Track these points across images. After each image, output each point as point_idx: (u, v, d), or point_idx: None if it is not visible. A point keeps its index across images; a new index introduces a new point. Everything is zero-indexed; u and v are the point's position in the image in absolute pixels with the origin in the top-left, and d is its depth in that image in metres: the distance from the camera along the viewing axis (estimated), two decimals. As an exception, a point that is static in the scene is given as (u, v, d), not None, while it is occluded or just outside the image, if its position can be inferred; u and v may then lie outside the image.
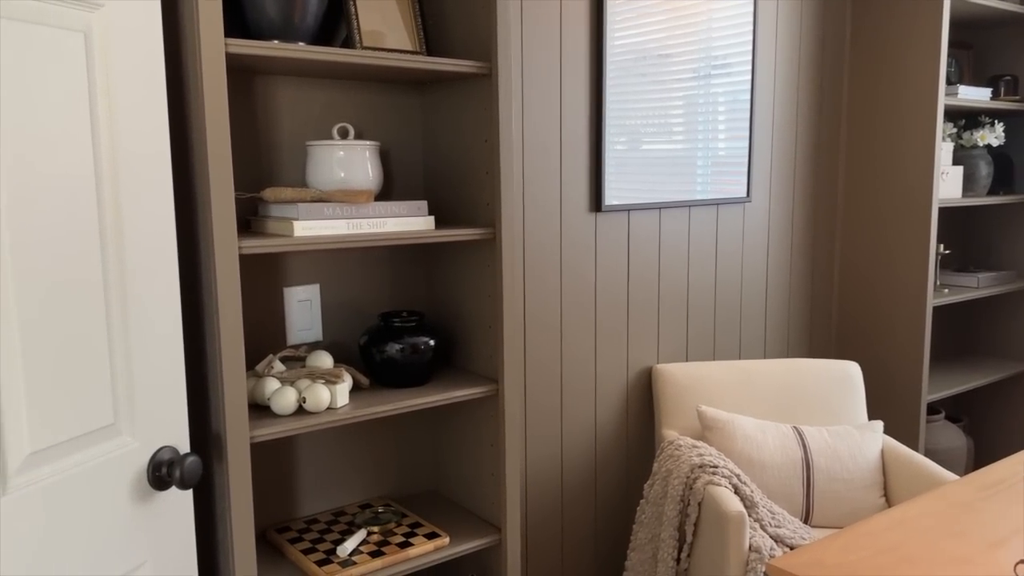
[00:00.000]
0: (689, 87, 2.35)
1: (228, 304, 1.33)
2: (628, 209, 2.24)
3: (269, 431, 1.41)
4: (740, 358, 2.61)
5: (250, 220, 1.60)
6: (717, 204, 2.47)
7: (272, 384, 1.51)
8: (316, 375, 1.53)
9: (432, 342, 1.66)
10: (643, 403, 2.38)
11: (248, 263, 1.64)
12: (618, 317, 2.28)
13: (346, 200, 1.50)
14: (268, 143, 1.65)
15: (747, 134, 2.51)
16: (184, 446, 1.25)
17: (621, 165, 2.21)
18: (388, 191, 1.81)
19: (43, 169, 1.04)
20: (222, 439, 1.36)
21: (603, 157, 2.15)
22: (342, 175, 1.57)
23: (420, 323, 1.68)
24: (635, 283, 2.30)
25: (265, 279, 1.67)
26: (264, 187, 1.63)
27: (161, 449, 1.21)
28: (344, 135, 1.62)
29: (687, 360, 2.47)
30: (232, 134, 1.60)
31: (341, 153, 1.57)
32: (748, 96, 2.50)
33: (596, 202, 2.18)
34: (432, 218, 1.60)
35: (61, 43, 1.05)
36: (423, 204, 1.60)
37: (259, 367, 1.56)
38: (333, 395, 1.51)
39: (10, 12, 0.99)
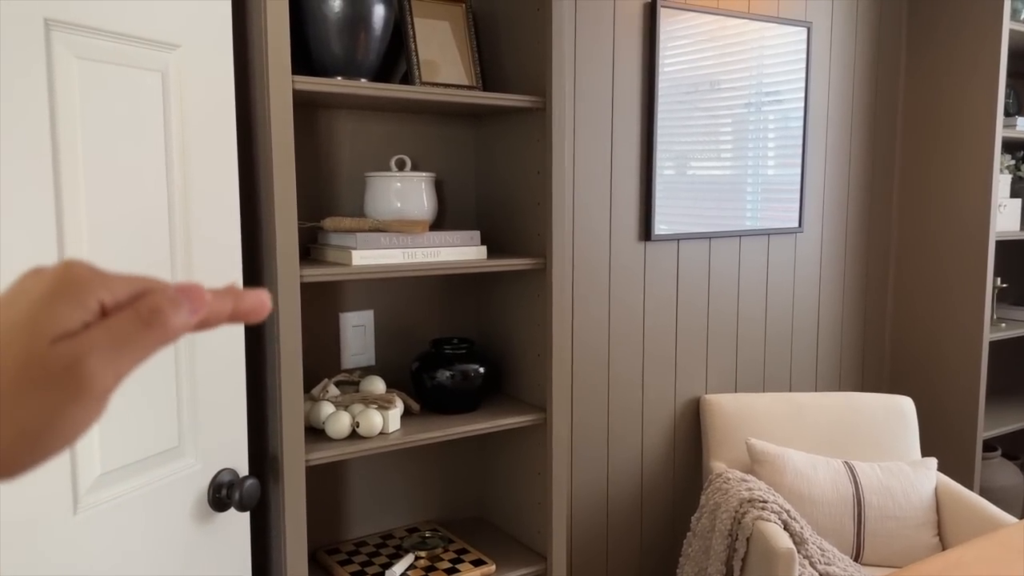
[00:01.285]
0: (740, 116, 2.35)
1: (288, 331, 1.37)
2: (678, 238, 2.24)
3: (324, 455, 1.44)
4: (790, 390, 2.58)
5: (310, 248, 1.65)
6: (768, 234, 2.45)
7: (327, 408, 1.54)
8: (369, 400, 1.56)
9: (482, 369, 1.68)
10: (690, 434, 2.36)
11: (306, 289, 1.69)
12: (666, 346, 2.28)
13: (402, 230, 1.54)
14: (328, 174, 1.70)
15: (799, 163, 2.50)
16: (243, 469, 1.29)
17: (671, 194, 2.22)
18: (441, 221, 1.85)
19: (119, 205, 1.09)
20: (279, 462, 1.39)
21: (653, 186, 2.17)
22: (399, 205, 1.61)
23: (470, 350, 1.70)
24: (684, 312, 2.30)
25: (321, 304, 1.72)
26: (324, 216, 1.68)
27: (221, 471, 1.25)
28: (401, 167, 1.67)
29: (736, 391, 2.45)
30: (295, 165, 1.65)
31: (398, 184, 1.61)
32: (800, 125, 2.49)
33: (646, 231, 2.19)
34: (484, 248, 1.63)
35: (140, 83, 1.11)
36: (476, 234, 1.63)
37: (315, 391, 1.60)
38: (385, 420, 1.54)
39: (93, 54, 1.05)
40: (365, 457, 1.79)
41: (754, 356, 2.48)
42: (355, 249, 1.48)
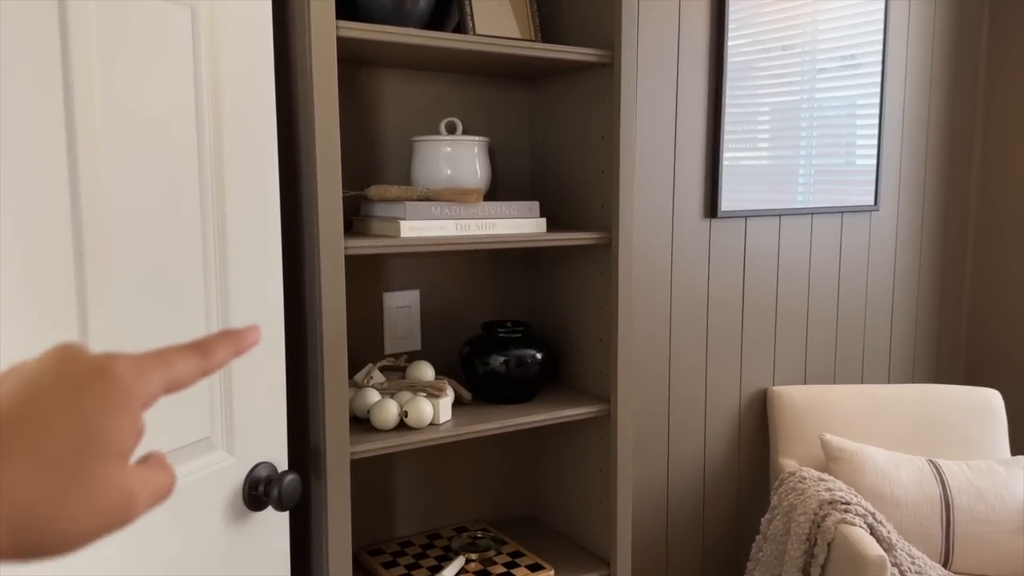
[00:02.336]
0: (814, 83, 2.16)
1: (332, 309, 1.22)
2: (745, 216, 2.06)
3: (370, 447, 1.30)
4: (862, 382, 2.38)
5: (352, 220, 1.51)
6: (842, 212, 2.26)
7: (372, 396, 1.40)
8: (418, 387, 1.42)
9: (539, 355, 1.53)
10: (757, 428, 2.18)
11: (348, 266, 1.55)
12: (731, 333, 2.10)
13: (455, 199, 1.38)
14: (372, 139, 1.55)
15: (875, 136, 2.29)
16: (282, 463, 1.15)
17: (738, 167, 2.04)
18: (493, 191, 1.69)
19: (141, 161, 0.95)
20: (321, 455, 1.25)
21: (720, 158, 1.99)
22: (449, 172, 1.46)
23: (526, 334, 1.55)
24: (751, 296, 2.12)
25: (363, 283, 1.57)
26: (367, 185, 1.54)
27: (258, 466, 1.11)
28: (452, 130, 1.51)
29: (805, 383, 2.27)
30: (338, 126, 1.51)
31: (448, 149, 1.46)
32: (877, 93, 2.29)
33: (711, 207, 2.01)
34: (544, 220, 1.47)
35: (166, 18, 0.97)
36: (535, 205, 1.47)
37: (358, 377, 1.45)
38: (436, 410, 1.39)
39: (117, -17, 0.90)
40: (412, 450, 1.65)
41: (824, 345, 2.29)
42: (403, 220, 1.33)
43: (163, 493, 0.38)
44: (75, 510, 0.33)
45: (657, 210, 1.94)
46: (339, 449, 1.25)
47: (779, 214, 2.12)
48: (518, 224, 1.45)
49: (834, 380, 2.32)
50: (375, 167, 1.56)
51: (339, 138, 1.21)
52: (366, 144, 1.54)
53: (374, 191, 1.42)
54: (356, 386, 1.45)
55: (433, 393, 1.40)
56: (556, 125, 1.64)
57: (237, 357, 0.43)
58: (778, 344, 2.19)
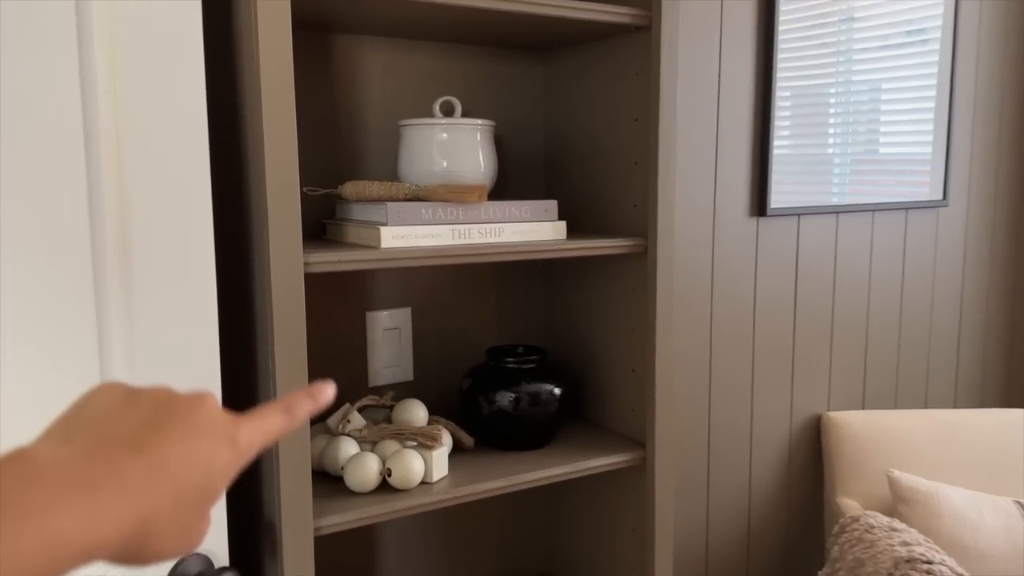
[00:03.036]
0: (871, 61, 1.85)
1: (288, 341, 0.93)
2: (798, 213, 1.76)
3: (340, 520, 1.01)
4: (926, 406, 2.07)
5: (325, 224, 1.22)
6: (906, 208, 1.95)
7: (348, 447, 1.11)
8: (406, 435, 1.13)
9: (557, 391, 1.23)
10: (809, 461, 1.88)
11: (319, 281, 1.26)
12: (781, 351, 1.80)
13: (452, 199, 1.09)
14: (349, 124, 1.26)
15: (946, 120, 1.98)
16: (221, 553, 0.87)
17: (789, 157, 1.73)
18: (500, 188, 1.39)
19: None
20: (275, 531, 0.97)
21: (770, 145, 1.68)
22: (445, 165, 1.17)
23: (542, 364, 1.25)
24: (803, 308, 1.82)
25: (341, 300, 1.28)
26: (343, 180, 1.25)
27: (183, 563, 0.83)
28: (449, 112, 1.22)
29: (863, 407, 1.96)
30: (302, 111, 1.22)
31: (444, 136, 1.17)
32: (948, 72, 1.97)
33: (759, 204, 1.70)
34: (563, 224, 1.18)
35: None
36: (551, 205, 1.18)
37: (331, 421, 1.17)
38: (428, 465, 1.10)
39: None
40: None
41: (885, 363, 1.98)
42: (385, 225, 1.04)
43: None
44: (174, 538, 0.38)
45: (695, 208, 1.64)
46: (298, 523, 0.96)
47: (836, 211, 1.82)
48: (531, 230, 1.15)
49: (895, 404, 2.01)
50: (353, 159, 1.27)
51: (294, 121, 0.91)
52: (342, 131, 1.25)
53: (349, 189, 1.13)
54: (329, 433, 1.16)
55: (425, 443, 1.11)
56: (577, 106, 1.34)
57: (316, 413, 0.47)
58: (834, 362, 1.89)
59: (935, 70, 1.94)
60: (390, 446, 1.12)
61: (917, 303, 2.01)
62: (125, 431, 0.38)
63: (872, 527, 1.59)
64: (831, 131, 1.80)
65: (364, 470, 1.07)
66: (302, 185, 1.20)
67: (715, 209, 1.66)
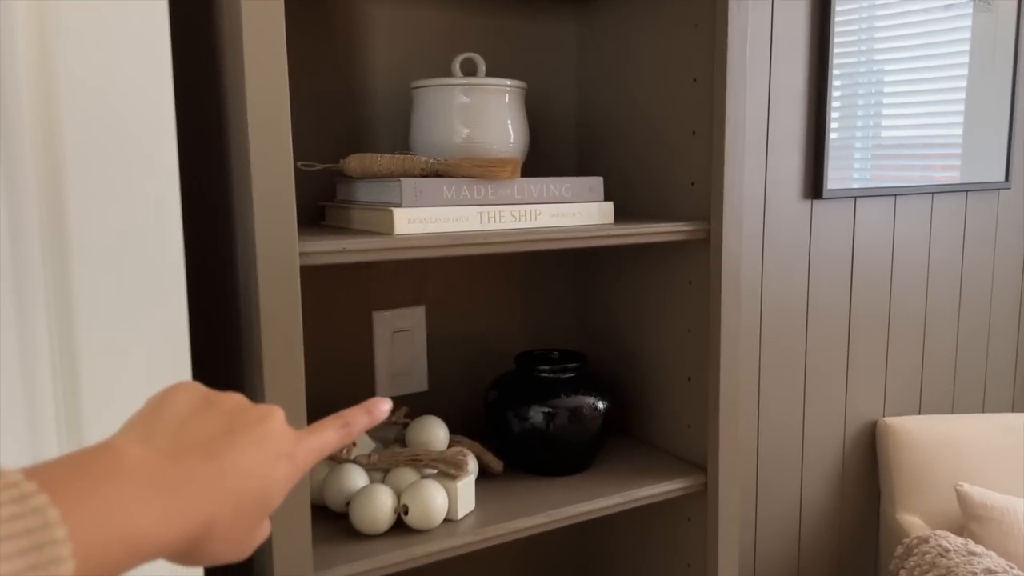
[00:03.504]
0: (939, 22, 1.65)
1: (278, 354, 0.73)
2: (854, 196, 1.56)
3: (347, 571, 0.81)
4: (983, 409, 1.89)
5: (324, 207, 1.02)
6: (966, 191, 1.76)
7: (354, 477, 0.91)
8: (425, 462, 0.93)
9: (600, 405, 1.04)
10: (864, 473, 1.69)
11: (315, 275, 1.06)
12: (835, 348, 1.61)
13: (479, 175, 0.89)
14: (353, 89, 1.05)
15: (1009, 91, 1.79)
16: (190, 630, 0.67)
17: (847, 133, 1.54)
18: (527, 164, 1.19)
19: None
20: (266, 591, 0.77)
21: (827, 119, 1.48)
22: (466, 133, 0.96)
23: (582, 372, 1.06)
24: (859, 300, 1.62)
25: (341, 297, 1.08)
26: (346, 153, 1.04)
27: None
28: (471, 71, 1.02)
29: (920, 411, 1.77)
30: (296, 73, 1.02)
31: (465, 99, 0.96)
32: (1012, 37, 1.78)
33: (815, 185, 1.51)
34: (611, 206, 0.98)
35: None
36: (596, 183, 0.98)
37: (333, 444, 0.97)
38: (452, 498, 0.91)
39: None
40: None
41: (943, 362, 1.79)
42: (399, 207, 0.84)
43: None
44: (230, 544, 0.38)
45: (745, 189, 1.44)
46: (295, 573, 0.77)
47: (895, 194, 1.62)
48: (573, 212, 0.95)
49: (951, 407, 1.83)
50: (358, 129, 1.06)
51: (286, 81, 0.71)
52: (344, 97, 1.05)
53: (354, 163, 0.92)
54: (333, 461, 0.96)
55: (448, 472, 0.92)
56: (617, 65, 1.14)
57: (372, 427, 0.48)
58: (891, 362, 1.70)
59: (967, 47, 1.73)
60: (405, 475, 0.92)
61: (976, 295, 1.82)
62: (201, 436, 0.39)
63: (946, 550, 1.40)
64: (892, 104, 1.61)
65: (375, 507, 0.87)
66: (296, 160, 1.00)
67: (766, 189, 1.46)
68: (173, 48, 0.68)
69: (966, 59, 1.71)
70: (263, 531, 0.41)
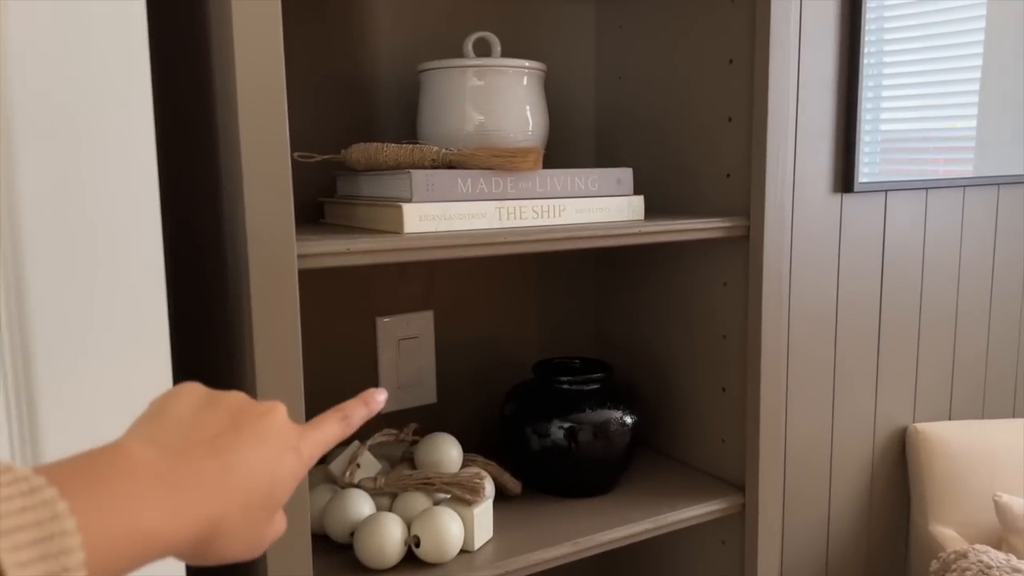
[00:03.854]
0: (943, 13, 1.56)
1: (274, 368, 0.64)
2: (885, 189, 1.47)
3: (353, 614, 0.72)
4: (1013, 414, 1.80)
5: (323, 203, 0.92)
6: (998, 184, 1.67)
7: (359, 503, 0.82)
8: (437, 486, 0.83)
9: (628, 419, 0.95)
10: (894, 482, 1.61)
11: (313, 279, 0.96)
12: (865, 350, 1.52)
13: (498, 166, 0.80)
14: (356, 74, 0.96)
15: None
16: None
17: (879, 123, 1.44)
18: (546, 154, 1.10)
19: None
20: (261, 640, 0.67)
21: (858, 108, 1.39)
22: (480, 120, 0.87)
23: (607, 383, 0.97)
24: (889, 299, 1.53)
25: (341, 302, 0.99)
26: (348, 143, 0.94)
27: None
28: (485, 52, 0.92)
29: (950, 417, 1.69)
30: (292, 57, 0.92)
31: (478, 82, 0.87)
32: (1046, 23, 1.69)
33: (845, 178, 1.42)
34: (641, 200, 0.89)
35: None
36: (626, 175, 0.88)
37: (335, 466, 0.87)
38: (468, 527, 0.81)
39: None
40: None
41: (974, 364, 1.71)
42: (408, 202, 0.74)
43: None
44: (241, 542, 0.39)
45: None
46: (296, 631, 0.67)
47: (926, 187, 1.53)
48: (601, 207, 0.86)
49: (983, 412, 1.74)
50: (362, 117, 0.97)
51: (282, 60, 0.62)
52: (345, 83, 0.95)
53: (357, 153, 0.83)
54: (334, 484, 0.87)
55: (463, 496, 0.82)
56: (643, 46, 1.04)
57: (370, 418, 0.48)
58: (921, 364, 1.61)
59: (981, 37, 1.63)
60: (416, 501, 0.83)
61: (1008, 295, 1.74)
62: (205, 434, 0.39)
63: (989, 567, 1.31)
64: (923, 93, 1.52)
65: (382, 537, 0.78)
66: (292, 151, 0.90)
67: (795, 183, 1.37)
68: (158, 30, 0.58)
69: (980, 49, 1.62)
70: (276, 527, 0.41)
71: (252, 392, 0.64)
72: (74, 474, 0.32)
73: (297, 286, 0.64)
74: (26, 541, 0.28)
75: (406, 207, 0.74)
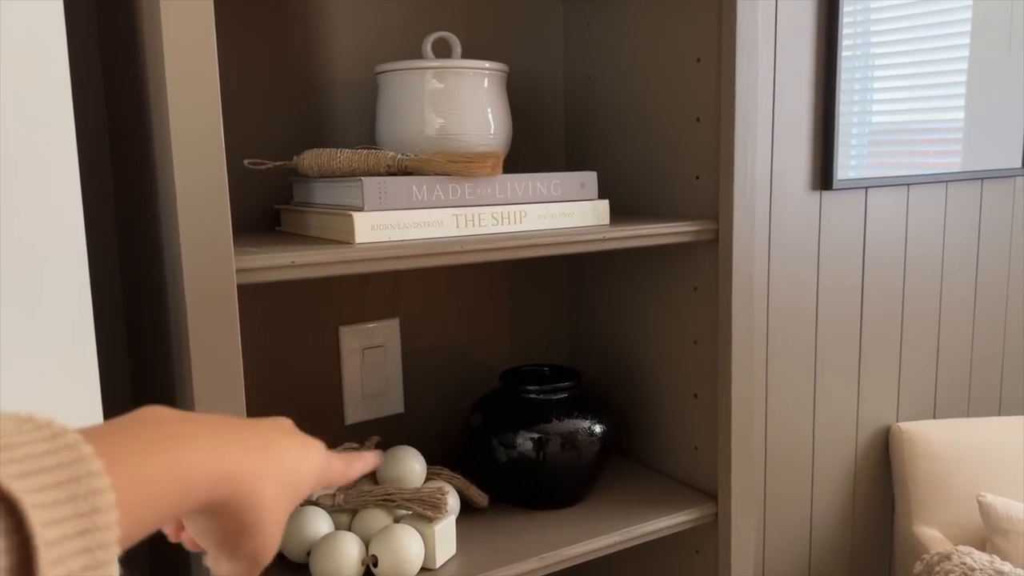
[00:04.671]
0: (928, 3, 1.54)
1: (215, 390, 0.61)
2: (866, 186, 1.45)
3: (306, 639, 0.70)
4: (999, 412, 1.79)
5: (279, 211, 0.89)
6: (981, 178, 1.65)
7: (316, 522, 0.79)
8: (398, 502, 0.81)
9: (598, 428, 0.92)
10: (878, 482, 1.59)
11: (273, 289, 0.94)
12: (846, 352, 1.50)
13: (455, 172, 0.77)
14: (312, 77, 0.93)
15: (1023, 75, 1.68)
16: None
17: (852, 117, 1.42)
18: (508, 159, 1.07)
19: None
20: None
21: (836, 103, 1.37)
22: (440, 124, 0.84)
23: (576, 392, 0.94)
24: (871, 297, 1.51)
25: (303, 310, 0.96)
26: (302, 149, 0.92)
27: None
28: (445, 53, 0.89)
29: (935, 416, 1.67)
30: (245, 59, 0.89)
31: (438, 84, 0.84)
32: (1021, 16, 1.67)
33: (824, 175, 1.40)
34: (606, 204, 0.86)
35: None
36: (590, 178, 0.86)
37: (293, 482, 0.85)
38: (429, 544, 0.79)
39: None
40: None
41: (958, 362, 1.69)
42: (360, 211, 0.72)
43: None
44: (271, 515, 0.38)
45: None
46: (244, 659, 0.64)
47: (907, 183, 1.51)
48: (564, 212, 0.84)
49: (968, 409, 1.72)
50: (319, 122, 0.94)
51: (215, 59, 0.59)
52: (302, 84, 0.92)
53: (309, 159, 0.80)
54: (290, 501, 0.84)
55: (423, 513, 0.80)
56: (610, 45, 1.02)
57: (364, 473, 0.49)
58: (904, 362, 1.59)
59: (968, 28, 1.61)
60: (375, 518, 0.80)
61: (992, 292, 1.72)
62: (249, 423, 0.40)
63: (972, 568, 1.30)
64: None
65: (339, 557, 0.76)
66: (242, 156, 0.88)
67: (772, 180, 1.35)
68: (98, 33, 0.55)
69: (967, 40, 1.60)
70: (279, 537, 0.41)
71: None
72: (102, 428, 0.32)
73: (236, 303, 0.61)
74: (50, 483, 0.27)
75: (357, 216, 0.71)
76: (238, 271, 0.62)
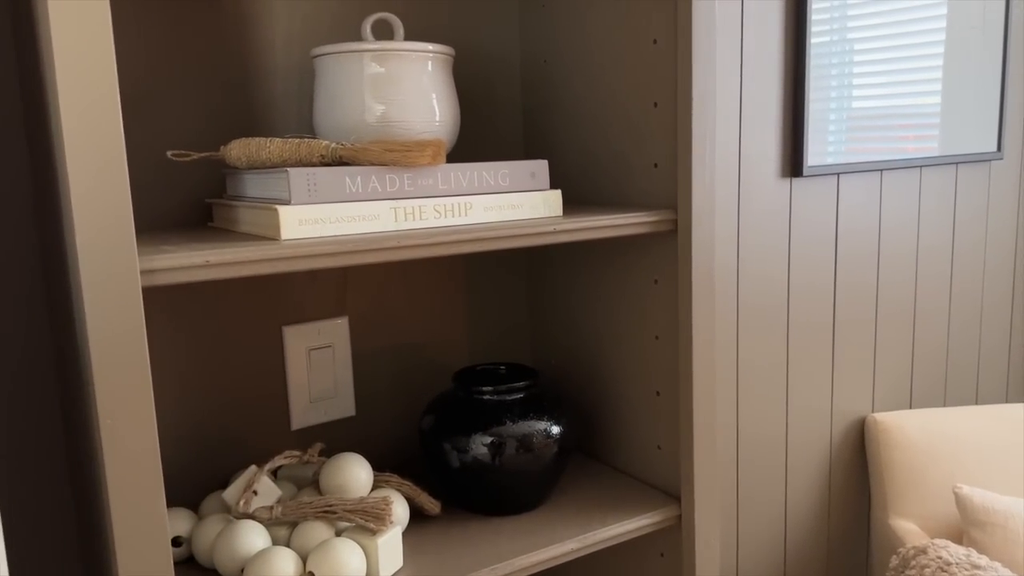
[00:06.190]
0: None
1: (119, 400, 0.56)
2: (837, 172, 1.41)
3: (234, 665, 0.65)
4: (976, 401, 1.76)
5: (212, 205, 0.84)
6: (956, 163, 1.62)
7: (252, 536, 0.75)
8: (339, 514, 0.76)
9: (556, 429, 0.88)
10: (853, 475, 1.56)
11: (210, 287, 0.88)
12: (820, 342, 1.46)
13: (392, 161, 0.72)
14: (248, 61, 0.87)
15: (1000, 56, 1.64)
16: None
17: (820, 105, 1.38)
18: (460, 145, 1.03)
19: None
20: None
21: (805, 88, 1.33)
22: (380, 111, 0.79)
23: (533, 391, 0.90)
24: (844, 286, 1.48)
25: (243, 310, 0.91)
26: (232, 138, 0.86)
27: None
28: (386, 34, 0.84)
29: (911, 405, 1.64)
30: (169, 47, 0.83)
31: (378, 68, 0.79)
32: (1002, 14, 1.63)
33: (794, 162, 1.36)
34: (558, 195, 0.82)
35: None
36: (540, 167, 0.81)
37: (229, 493, 0.80)
38: (371, 558, 0.74)
39: None
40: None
41: (934, 351, 1.66)
42: (287, 204, 0.67)
43: None
44: None
45: (716, 169, 1.29)
46: None
47: (880, 168, 1.48)
48: (513, 203, 0.79)
49: (944, 399, 1.70)
50: (254, 110, 0.89)
51: (111, 45, 0.53)
52: (235, 70, 0.87)
53: (237, 150, 0.75)
54: (228, 514, 0.79)
55: (366, 525, 0.75)
56: (566, 27, 0.97)
57: None
58: (879, 352, 1.56)
59: (944, 11, 1.57)
60: (315, 532, 0.76)
61: (968, 278, 1.69)
62: None
63: (948, 563, 1.27)
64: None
65: (273, 574, 0.71)
66: (175, 148, 0.82)
67: (740, 168, 1.30)
68: (12, 28, 0.50)
69: (943, 23, 1.56)
70: None
71: (96, 427, 0.57)
72: None
73: (141, 306, 0.56)
74: None
75: (283, 210, 0.66)
76: (143, 272, 0.57)
